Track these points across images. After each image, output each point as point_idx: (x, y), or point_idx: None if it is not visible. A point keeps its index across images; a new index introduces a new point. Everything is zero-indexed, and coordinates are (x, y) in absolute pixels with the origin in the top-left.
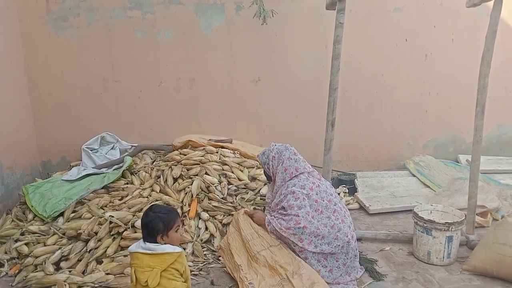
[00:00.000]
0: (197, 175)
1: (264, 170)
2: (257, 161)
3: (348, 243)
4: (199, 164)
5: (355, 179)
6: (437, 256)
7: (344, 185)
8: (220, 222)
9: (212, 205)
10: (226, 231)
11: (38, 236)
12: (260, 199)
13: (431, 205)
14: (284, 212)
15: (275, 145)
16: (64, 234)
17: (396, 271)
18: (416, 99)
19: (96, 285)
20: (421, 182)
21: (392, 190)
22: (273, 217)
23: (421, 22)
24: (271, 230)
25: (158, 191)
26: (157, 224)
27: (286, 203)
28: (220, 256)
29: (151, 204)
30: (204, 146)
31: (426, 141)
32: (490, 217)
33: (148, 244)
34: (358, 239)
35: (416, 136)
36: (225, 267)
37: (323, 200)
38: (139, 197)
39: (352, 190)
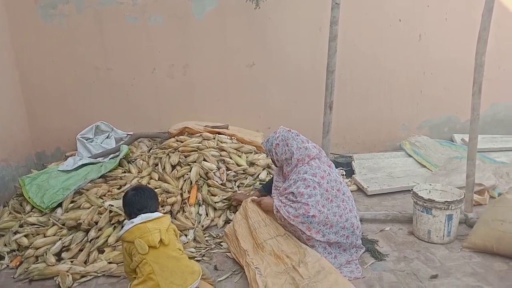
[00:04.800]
0: (195, 161)
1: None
2: (255, 146)
3: (353, 232)
4: (196, 150)
5: (352, 161)
6: (437, 234)
7: (341, 168)
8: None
9: (212, 191)
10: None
11: (37, 227)
12: (259, 183)
13: (430, 185)
14: (294, 199)
15: (280, 130)
16: (63, 224)
17: (397, 250)
18: (411, 79)
19: (99, 274)
20: (418, 162)
21: (389, 171)
22: (280, 203)
23: (414, 2)
24: (279, 217)
25: (156, 179)
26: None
27: (296, 189)
28: (222, 242)
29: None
30: (201, 132)
31: (421, 121)
32: (487, 195)
33: (142, 215)
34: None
35: (411, 116)
36: (229, 251)
37: (333, 189)
38: None
39: (349, 173)
